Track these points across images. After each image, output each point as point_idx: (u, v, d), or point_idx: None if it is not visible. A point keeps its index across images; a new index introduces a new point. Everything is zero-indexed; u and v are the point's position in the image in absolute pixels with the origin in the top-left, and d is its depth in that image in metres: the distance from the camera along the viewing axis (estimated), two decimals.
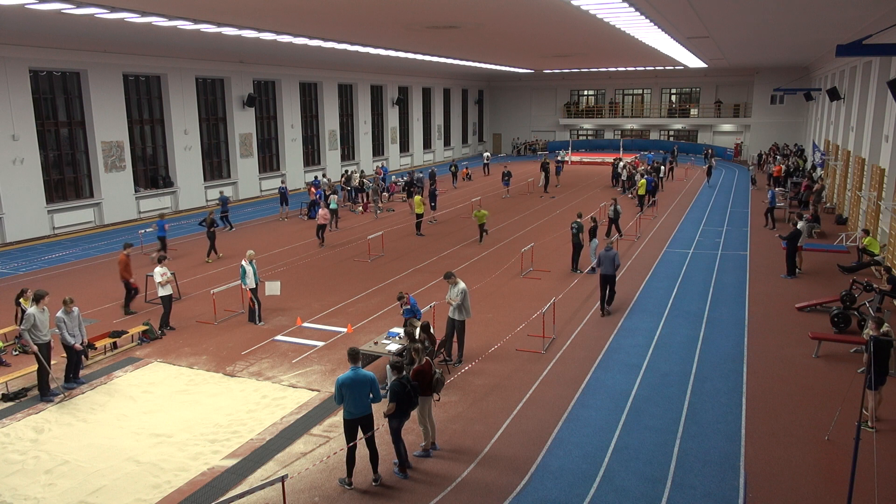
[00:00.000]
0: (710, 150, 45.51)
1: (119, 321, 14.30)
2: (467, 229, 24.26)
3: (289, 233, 24.24)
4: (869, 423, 9.35)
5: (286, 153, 35.12)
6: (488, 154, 44.27)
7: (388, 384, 8.51)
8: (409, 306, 11.85)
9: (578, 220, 18.18)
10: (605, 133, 55.61)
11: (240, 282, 14.23)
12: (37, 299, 10.77)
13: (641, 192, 27.58)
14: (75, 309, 11.14)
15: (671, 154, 43.30)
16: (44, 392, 10.64)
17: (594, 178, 39.29)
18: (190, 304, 15.57)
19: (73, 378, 11.18)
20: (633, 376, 11.26)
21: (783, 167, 34.37)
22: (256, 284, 14.18)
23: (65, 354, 12.04)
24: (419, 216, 23.58)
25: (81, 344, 11.20)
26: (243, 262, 14.12)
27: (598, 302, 14.84)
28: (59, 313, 10.90)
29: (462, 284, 11.69)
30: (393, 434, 8.36)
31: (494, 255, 20.28)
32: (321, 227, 21.79)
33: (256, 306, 14.17)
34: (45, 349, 10.65)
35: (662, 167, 35.33)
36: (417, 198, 23.94)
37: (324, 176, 33.40)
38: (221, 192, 26.24)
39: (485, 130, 59.42)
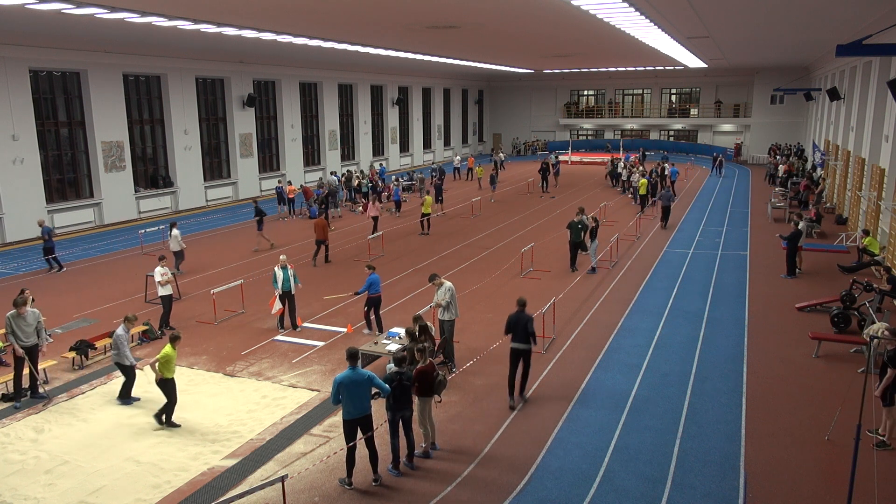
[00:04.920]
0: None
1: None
2: (468, 229, 24.27)
3: (288, 232, 24.25)
4: (886, 440, 8.92)
5: (286, 153, 35.13)
6: (459, 158, 41.41)
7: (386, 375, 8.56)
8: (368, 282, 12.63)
9: (583, 217, 18.19)
10: (605, 133, 55.62)
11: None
12: (15, 305, 10.40)
13: (643, 191, 27.56)
14: (29, 311, 10.56)
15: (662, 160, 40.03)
16: (14, 397, 10.47)
17: (594, 178, 39.26)
18: (190, 304, 15.57)
19: (32, 393, 10.64)
20: (633, 376, 11.26)
21: (782, 167, 34.40)
22: (287, 290, 13.51)
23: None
24: (425, 215, 23.58)
25: (36, 349, 10.67)
26: (276, 268, 13.59)
27: (659, 222, 24.20)
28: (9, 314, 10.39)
29: (448, 283, 11.64)
30: (390, 427, 8.40)
31: (494, 255, 20.28)
32: (375, 220, 22.98)
33: (285, 311, 13.69)
34: (28, 353, 10.46)
35: (666, 164, 35.34)
36: (429, 198, 23.99)
37: (331, 174, 33.45)
38: (42, 223, 19.35)
39: (485, 130, 59.42)
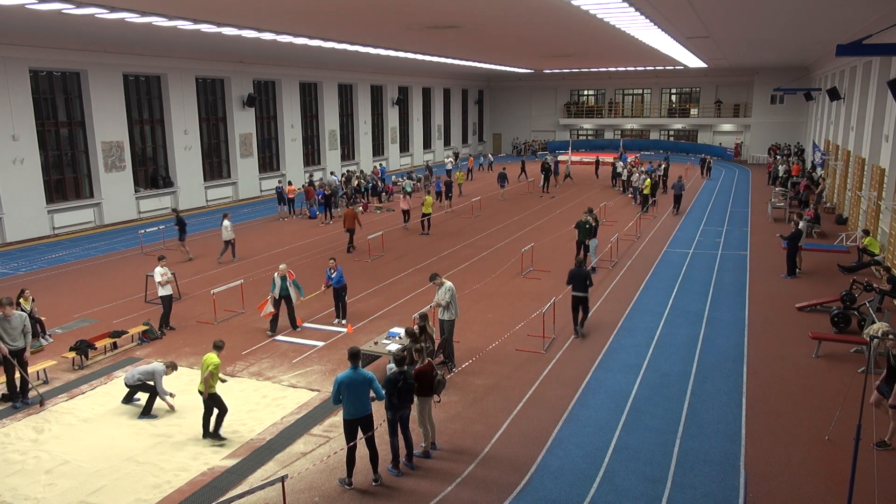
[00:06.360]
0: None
1: (119, 321, 14.31)
2: (468, 229, 24.28)
3: (289, 232, 24.25)
4: (886, 440, 8.92)
5: (286, 153, 35.13)
6: (451, 160, 39.79)
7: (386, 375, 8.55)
8: (335, 273, 13.54)
9: (588, 217, 18.21)
10: (605, 133, 55.64)
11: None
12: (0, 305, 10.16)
13: (647, 191, 27.57)
14: (15, 313, 10.37)
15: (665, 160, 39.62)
16: (9, 398, 10.37)
17: (593, 178, 39.25)
18: (190, 304, 15.57)
19: (22, 398, 10.42)
20: (633, 376, 11.26)
21: (782, 167, 34.39)
22: (281, 297, 13.42)
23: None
24: (426, 215, 23.64)
25: (22, 353, 10.41)
26: (275, 275, 13.49)
27: (672, 207, 27.10)
28: None
29: (449, 283, 11.64)
30: (389, 426, 8.39)
31: (494, 255, 20.28)
32: (406, 212, 24.67)
33: (285, 312, 13.64)
34: (14, 355, 10.28)
35: (664, 163, 35.46)
36: (429, 198, 24.12)
37: (331, 174, 33.43)
38: None
39: (485, 130, 59.42)
